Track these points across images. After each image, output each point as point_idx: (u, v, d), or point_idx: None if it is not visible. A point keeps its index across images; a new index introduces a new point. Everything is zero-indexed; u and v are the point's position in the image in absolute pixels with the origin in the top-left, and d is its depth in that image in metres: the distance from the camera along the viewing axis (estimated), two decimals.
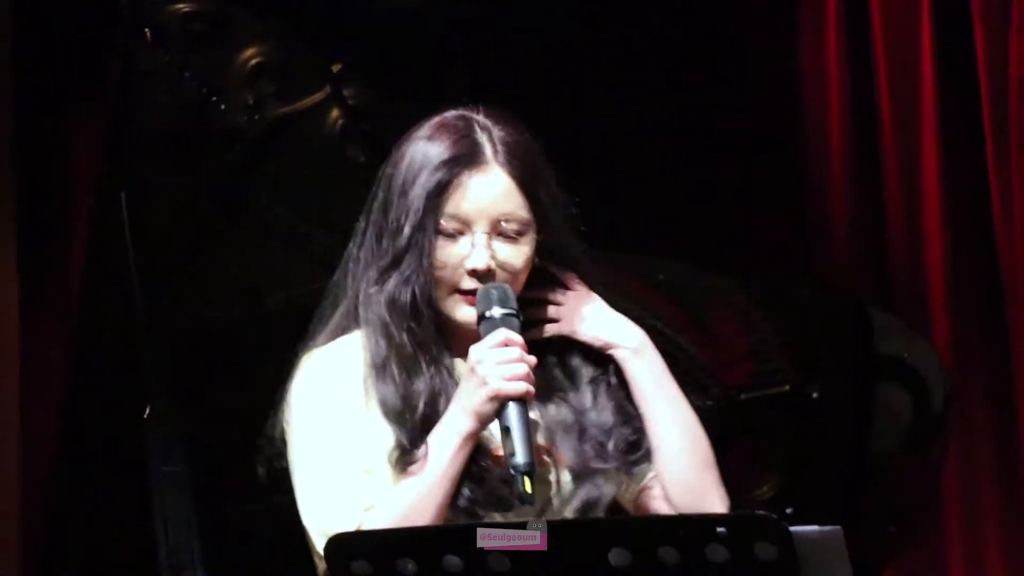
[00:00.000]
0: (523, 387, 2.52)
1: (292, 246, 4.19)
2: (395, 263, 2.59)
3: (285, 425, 2.66)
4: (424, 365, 2.59)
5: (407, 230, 2.58)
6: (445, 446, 2.54)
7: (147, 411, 3.81)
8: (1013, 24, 4.48)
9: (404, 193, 2.60)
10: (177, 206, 4.14)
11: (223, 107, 4.13)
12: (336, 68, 4.22)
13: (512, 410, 2.51)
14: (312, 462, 2.60)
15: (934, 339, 4.57)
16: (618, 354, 2.68)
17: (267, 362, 4.04)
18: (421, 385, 2.58)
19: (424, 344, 2.60)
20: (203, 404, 4.00)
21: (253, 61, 4.18)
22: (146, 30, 4.05)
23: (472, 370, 2.54)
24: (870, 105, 4.72)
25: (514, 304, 2.57)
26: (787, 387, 4.22)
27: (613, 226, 4.36)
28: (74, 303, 4.37)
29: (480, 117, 2.66)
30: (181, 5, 4.09)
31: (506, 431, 2.50)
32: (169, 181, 4.14)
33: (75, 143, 4.50)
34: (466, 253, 2.59)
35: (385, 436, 2.58)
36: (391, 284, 2.59)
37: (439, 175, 2.58)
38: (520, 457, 2.47)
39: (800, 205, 4.85)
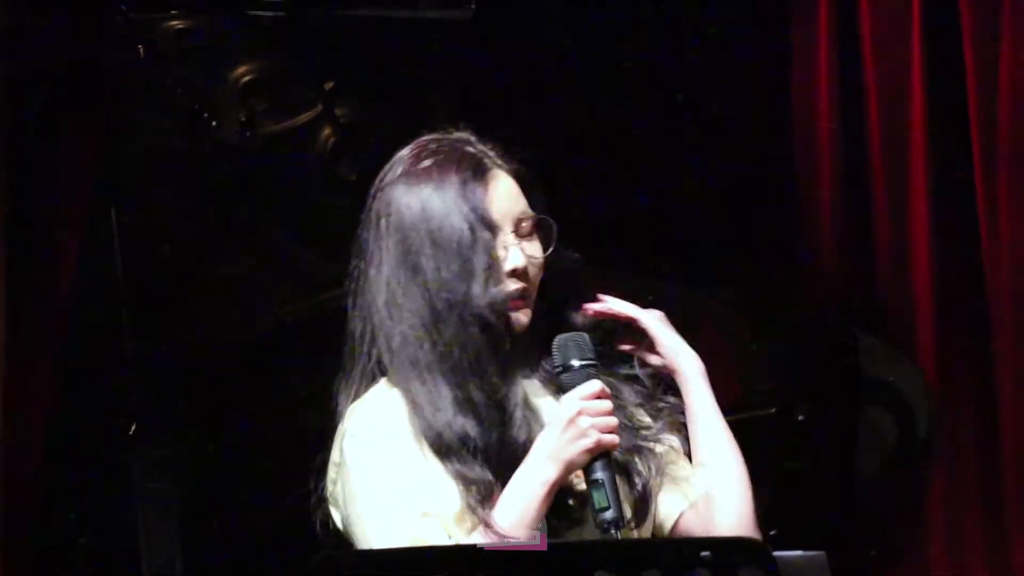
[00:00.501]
0: (617, 440, 2.53)
1: (282, 263, 4.18)
2: (461, 302, 2.55)
3: (332, 485, 2.62)
4: (510, 404, 2.58)
5: (472, 266, 2.56)
6: (530, 495, 2.51)
7: (132, 428, 3.80)
8: (1003, 40, 4.47)
9: (439, 232, 2.57)
10: (168, 222, 4.13)
11: (215, 123, 4.12)
12: (328, 86, 4.21)
13: (603, 463, 2.51)
14: (382, 514, 2.54)
15: (920, 360, 4.56)
16: (683, 381, 2.68)
17: (256, 379, 4.05)
18: (512, 426, 2.57)
19: (511, 376, 2.59)
20: (192, 421, 3.98)
21: (245, 78, 4.17)
22: (139, 46, 4.04)
23: (571, 421, 2.51)
24: (860, 124, 4.72)
25: (592, 354, 2.57)
26: (773, 409, 4.22)
27: (602, 243, 4.38)
28: (62, 316, 4.35)
29: (456, 135, 2.66)
30: (175, 22, 4.08)
31: (594, 483, 2.49)
32: (161, 197, 4.13)
33: (68, 158, 4.49)
34: (501, 256, 2.59)
35: (444, 479, 2.54)
36: (458, 321, 2.55)
37: (471, 199, 2.57)
38: (613, 512, 2.47)
39: (789, 225, 4.84)
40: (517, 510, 2.49)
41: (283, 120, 4.21)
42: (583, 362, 2.55)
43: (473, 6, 4.22)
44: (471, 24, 4.30)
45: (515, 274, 2.58)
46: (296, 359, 3.95)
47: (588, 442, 2.50)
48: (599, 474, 2.49)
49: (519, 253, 2.59)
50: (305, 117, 4.21)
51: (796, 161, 4.81)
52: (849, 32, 4.72)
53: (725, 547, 2.23)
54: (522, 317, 2.60)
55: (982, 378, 4.55)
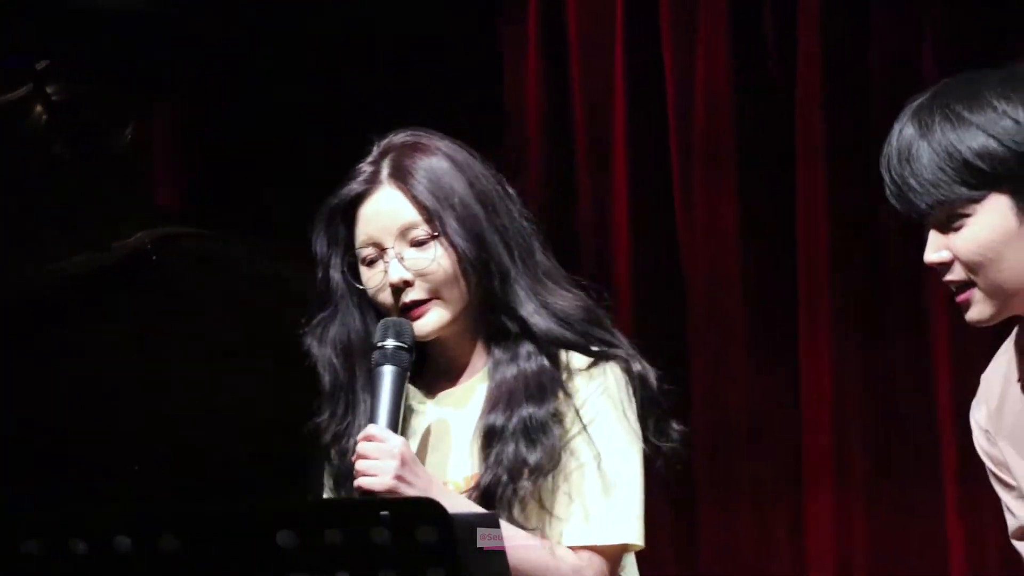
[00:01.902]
0: (366, 483, 2.50)
1: None
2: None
3: None
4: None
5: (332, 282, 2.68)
6: None
7: None
8: (699, 47, 4.58)
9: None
10: None
11: None
12: (41, 65, 4.12)
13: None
14: None
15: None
16: None
17: None
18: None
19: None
20: None
21: None
22: None
23: None
24: (566, 123, 4.77)
25: (408, 339, 2.57)
26: None
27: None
28: None
29: (397, 138, 2.68)
30: None
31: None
32: None
33: None
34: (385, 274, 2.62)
35: None
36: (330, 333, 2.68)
37: (339, 215, 2.65)
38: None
39: None
40: None
41: None
42: (397, 344, 2.55)
43: None
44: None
45: (394, 288, 2.60)
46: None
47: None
48: None
49: (394, 268, 2.59)
50: (17, 94, 4.11)
51: (505, 158, 4.82)
52: (556, 38, 4.77)
53: (402, 507, 2.24)
54: (424, 325, 2.60)
55: (678, 360, 4.64)
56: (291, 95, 4.74)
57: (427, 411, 2.69)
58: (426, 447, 2.67)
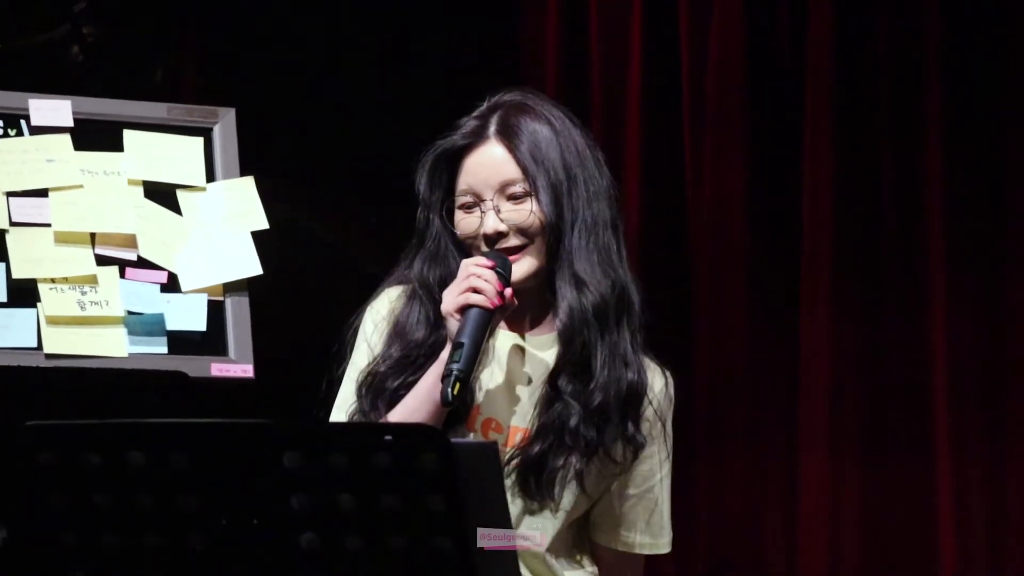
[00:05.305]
0: (458, 301, 2.59)
1: None
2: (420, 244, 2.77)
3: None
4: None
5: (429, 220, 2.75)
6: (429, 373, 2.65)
7: None
8: (713, 26, 4.57)
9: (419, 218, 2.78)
10: None
11: None
12: (79, 7, 4.14)
13: (472, 328, 2.59)
14: (348, 372, 2.78)
15: None
16: None
17: None
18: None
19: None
20: None
21: None
22: None
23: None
24: (584, 90, 4.77)
25: (508, 271, 2.65)
26: None
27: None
28: None
29: (506, 97, 2.76)
30: None
31: (458, 344, 2.57)
32: None
33: None
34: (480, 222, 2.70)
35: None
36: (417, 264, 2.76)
37: (443, 162, 2.73)
38: (459, 366, 2.55)
39: None
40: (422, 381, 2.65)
41: (35, 35, 4.12)
42: (498, 270, 2.63)
43: None
44: None
45: (486, 238, 2.68)
46: None
47: (463, 286, 2.60)
48: (464, 338, 2.57)
49: (490, 220, 2.68)
50: (55, 34, 4.13)
51: None
52: (578, 8, 4.77)
53: (405, 432, 2.25)
54: (517, 269, 2.67)
55: (681, 324, 4.64)
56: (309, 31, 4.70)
57: (501, 355, 2.75)
58: (496, 385, 2.74)
